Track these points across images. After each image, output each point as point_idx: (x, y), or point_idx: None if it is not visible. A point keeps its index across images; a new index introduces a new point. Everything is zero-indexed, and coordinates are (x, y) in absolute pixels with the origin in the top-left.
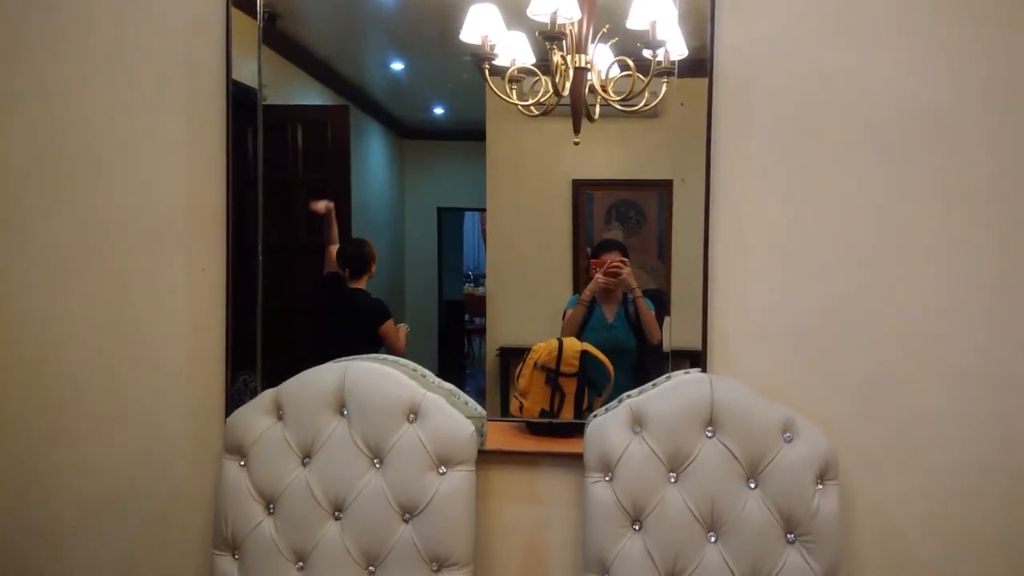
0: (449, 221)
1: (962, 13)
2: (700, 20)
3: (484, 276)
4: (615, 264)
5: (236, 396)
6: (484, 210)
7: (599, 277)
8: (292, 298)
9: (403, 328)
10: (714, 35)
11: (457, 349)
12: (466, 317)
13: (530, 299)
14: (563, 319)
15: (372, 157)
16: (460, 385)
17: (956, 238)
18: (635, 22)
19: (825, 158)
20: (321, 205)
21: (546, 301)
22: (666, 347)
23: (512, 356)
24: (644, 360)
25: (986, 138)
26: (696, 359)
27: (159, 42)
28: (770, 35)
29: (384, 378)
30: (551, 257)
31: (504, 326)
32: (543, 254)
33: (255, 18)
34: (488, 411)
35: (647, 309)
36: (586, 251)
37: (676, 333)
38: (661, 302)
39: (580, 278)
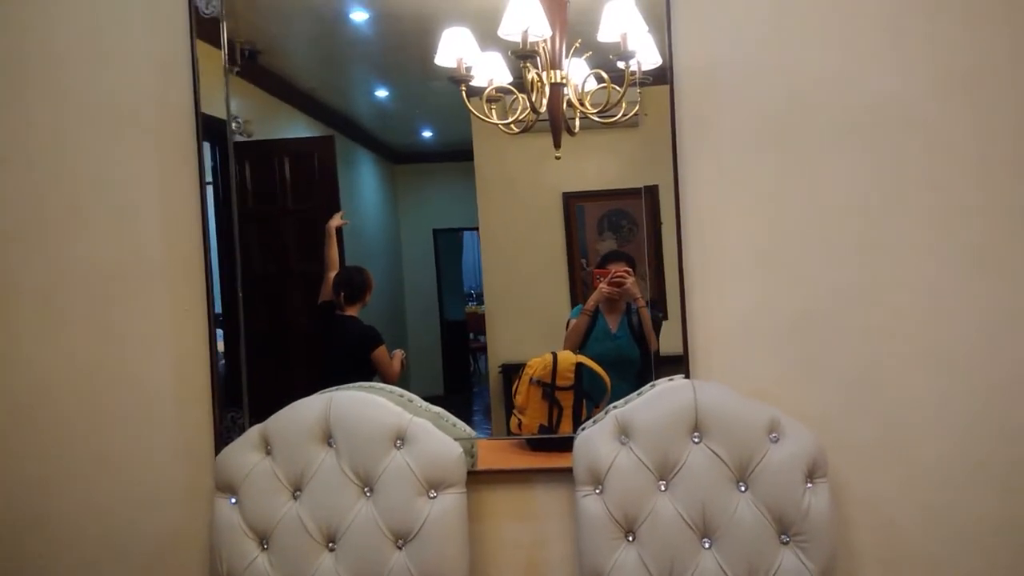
0: (446, 242)
1: (928, 4)
2: (659, 30)
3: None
4: (619, 274)
5: (225, 434)
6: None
7: (603, 287)
8: (284, 328)
9: (398, 354)
10: (671, 44)
11: (462, 368)
12: (470, 336)
13: (529, 314)
14: (567, 329)
15: (364, 184)
16: (467, 404)
17: (938, 230)
18: (606, 35)
19: (798, 157)
20: (336, 220)
21: (545, 315)
22: (663, 352)
23: (514, 372)
24: (647, 370)
25: (962, 129)
26: (682, 366)
27: (129, 85)
28: (729, 40)
29: (369, 406)
30: (547, 271)
31: (505, 343)
32: (539, 268)
33: (219, 47)
34: (493, 429)
35: (650, 319)
36: (581, 262)
37: (671, 339)
38: (659, 311)
39: (577, 290)
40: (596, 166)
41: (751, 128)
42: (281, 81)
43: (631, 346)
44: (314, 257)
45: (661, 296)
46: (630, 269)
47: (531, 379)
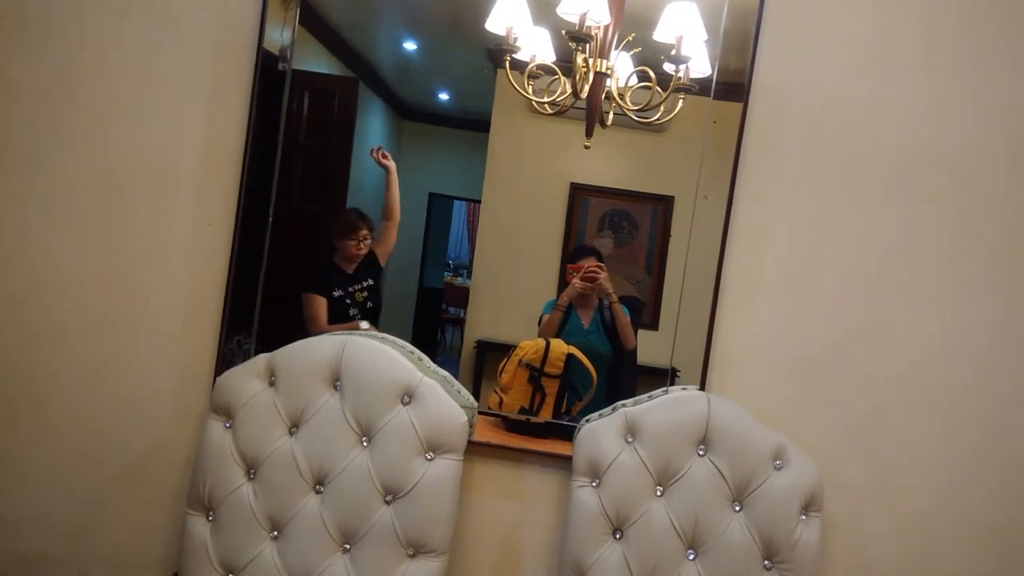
0: (439, 208)
1: (992, 61)
2: (742, 41)
3: (465, 266)
4: (592, 269)
5: (228, 356)
6: (477, 201)
7: (576, 282)
8: (289, 264)
9: (363, 325)
10: (755, 58)
11: (431, 337)
12: (443, 306)
13: (514, 296)
14: (539, 324)
15: (370, 133)
16: None
17: (961, 284)
18: (662, 35)
19: (845, 191)
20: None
21: (529, 300)
22: (643, 362)
23: (489, 350)
24: (618, 366)
25: (1001, 189)
26: (666, 378)
27: None
28: (808, 64)
29: (383, 356)
30: (540, 257)
31: (484, 319)
32: (532, 253)
33: None
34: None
35: (623, 315)
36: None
37: (656, 349)
38: (636, 310)
39: (566, 281)
40: (611, 163)
41: (814, 158)
42: (313, 12)
43: (602, 341)
44: (317, 197)
45: (656, 306)
46: (601, 264)
47: (520, 361)
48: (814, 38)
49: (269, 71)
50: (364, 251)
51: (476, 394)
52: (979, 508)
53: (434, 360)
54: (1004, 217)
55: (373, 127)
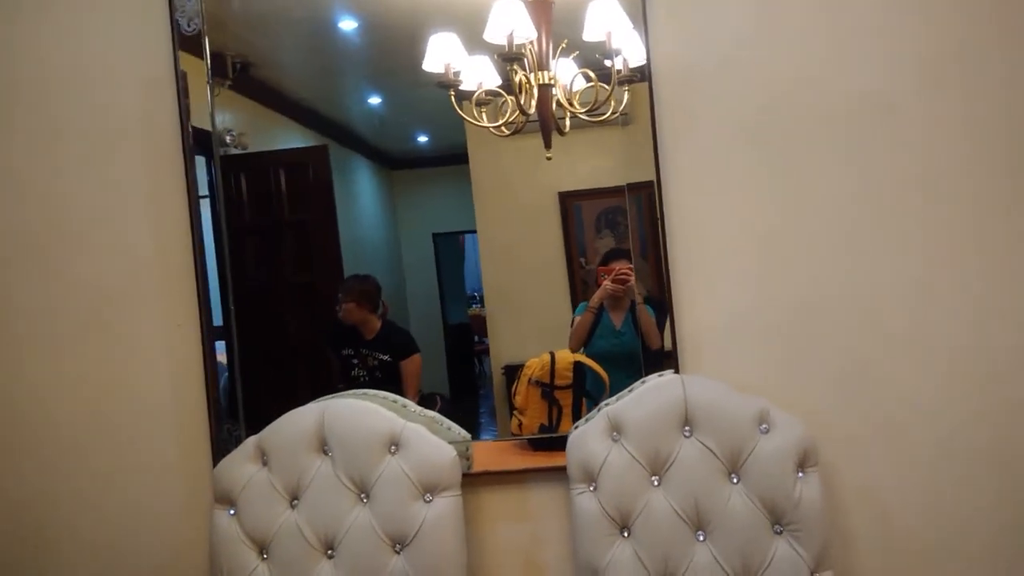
0: (446, 245)
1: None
2: (640, 28)
3: None
4: (623, 272)
5: (222, 446)
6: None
7: (607, 284)
8: (281, 340)
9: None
10: (648, 42)
11: (467, 371)
12: (475, 338)
13: (530, 315)
14: (571, 326)
15: (362, 191)
16: (474, 406)
17: (922, 224)
18: (591, 34)
19: (780, 154)
20: None
21: (545, 315)
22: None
23: (516, 373)
24: (648, 366)
25: (945, 123)
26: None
27: (117, 105)
28: (705, 38)
29: (363, 413)
30: (546, 271)
31: (507, 344)
32: (538, 269)
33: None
34: (499, 430)
35: (647, 316)
36: (580, 261)
37: (666, 335)
38: (662, 310)
39: (577, 288)
40: (589, 165)
41: (732, 125)
42: (274, 92)
43: (636, 342)
44: (309, 268)
45: (663, 291)
46: (632, 266)
47: (530, 379)
48: (703, 8)
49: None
50: (345, 317)
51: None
52: (982, 435)
53: (477, 393)
54: (932, 145)
55: (363, 185)
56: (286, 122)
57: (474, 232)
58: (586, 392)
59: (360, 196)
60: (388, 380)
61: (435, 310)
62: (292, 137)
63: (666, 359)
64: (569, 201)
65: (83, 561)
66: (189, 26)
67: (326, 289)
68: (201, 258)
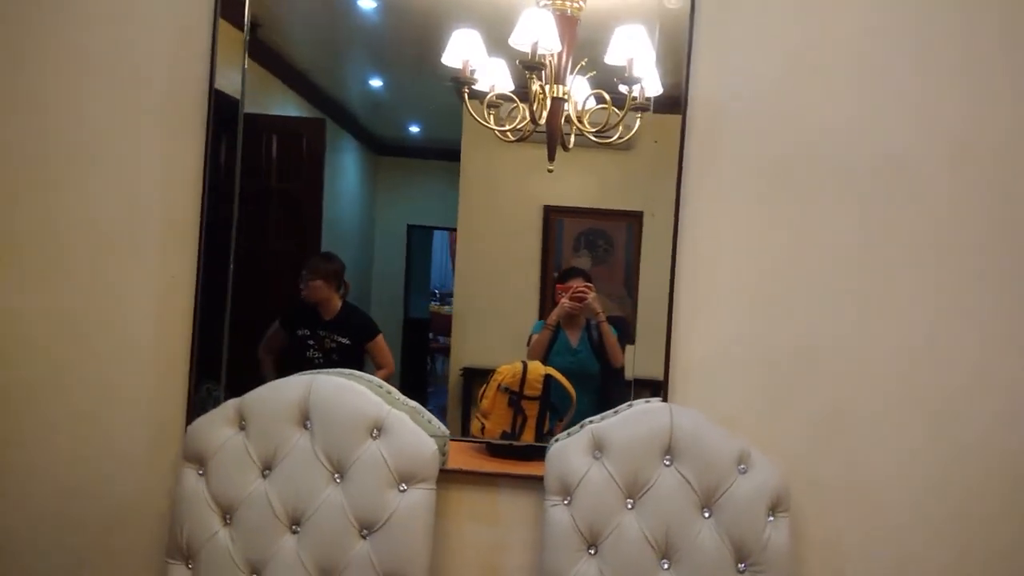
0: (419, 239)
1: (932, 66)
2: (676, 59)
3: (451, 295)
4: (580, 289)
5: (199, 405)
6: (455, 230)
7: (565, 302)
8: (263, 306)
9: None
10: (689, 74)
11: (420, 367)
12: (431, 335)
13: (496, 321)
14: (528, 344)
15: (345, 171)
16: (423, 403)
17: (920, 282)
18: (613, 58)
19: (795, 201)
20: None
21: (512, 324)
22: (629, 375)
23: (475, 376)
24: (606, 385)
25: (943, 188)
26: (658, 389)
27: (144, 45)
28: (745, 77)
29: (350, 393)
30: (519, 281)
31: (469, 346)
32: (512, 277)
33: (241, 29)
34: (449, 431)
35: (611, 334)
36: (554, 276)
37: (640, 362)
38: (622, 329)
39: (547, 303)
40: (582, 184)
41: (755, 167)
42: (278, 57)
43: (591, 360)
44: (291, 238)
45: (632, 320)
46: (590, 284)
47: (499, 385)
48: (746, 51)
49: (229, 116)
50: (307, 295)
51: (464, 421)
52: (949, 503)
53: (425, 391)
54: (947, 216)
55: (347, 165)
56: (283, 89)
57: (448, 229)
58: (552, 406)
59: (342, 175)
60: (345, 364)
61: (398, 301)
62: (286, 105)
63: (639, 387)
64: (553, 216)
65: (39, 505)
66: None
67: (300, 262)
68: (205, 213)
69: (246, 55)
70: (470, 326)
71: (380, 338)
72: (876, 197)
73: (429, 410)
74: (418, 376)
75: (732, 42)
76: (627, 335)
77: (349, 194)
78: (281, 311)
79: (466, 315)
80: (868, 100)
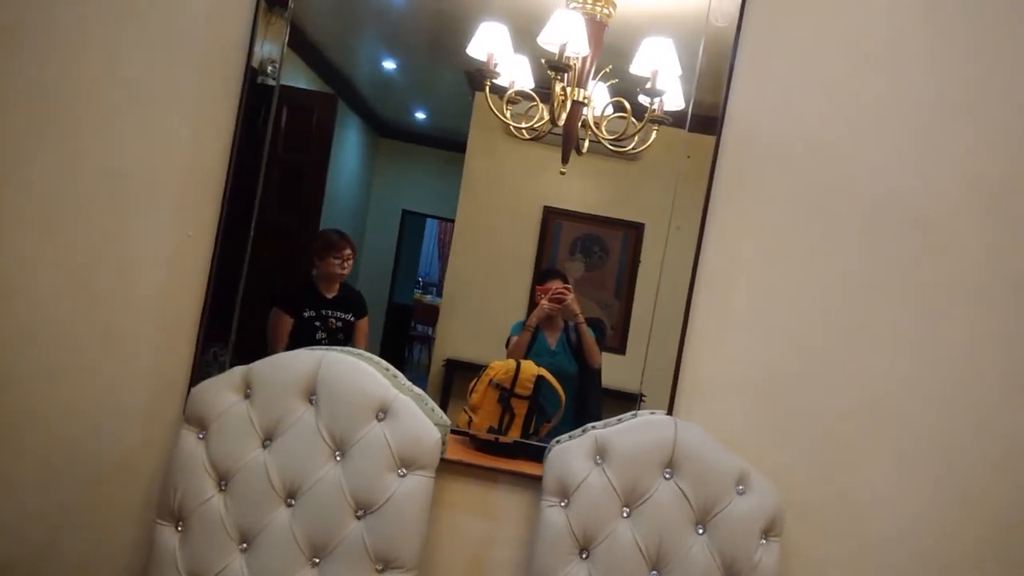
0: (412, 225)
1: (961, 111)
2: (717, 77)
3: (435, 284)
4: (559, 291)
5: (203, 368)
6: (450, 220)
7: (544, 303)
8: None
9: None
10: (729, 93)
11: (398, 354)
12: (412, 324)
13: (484, 316)
14: (506, 346)
15: (345, 148)
16: None
17: (924, 323)
18: (638, 68)
19: (814, 228)
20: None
21: (499, 320)
22: (608, 385)
23: (458, 369)
24: (584, 386)
25: (967, 234)
26: (633, 402)
27: (188, 8)
28: (783, 103)
29: (359, 372)
30: (511, 279)
31: (454, 338)
32: (504, 274)
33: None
34: None
35: (589, 335)
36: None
37: (623, 373)
38: (600, 331)
39: (536, 302)
40: (585, 189)
41: (783, 194)
42: (294, 29)
43: (569, 362)
44: (294, 210)
45: (624, 331)
46: (569, 287)
47: (491, 381)
48: (786, 78)
49: (254, 85)
50: (346, 271)
51: (446, 412)
52: (936, 541)
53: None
54: (968, 262)
55: (349, 143)
56: (294, 60)
57: (442, 219)
58: (540, 406)
59: (343, 152)
60: (346, 342)
61: (384, 286)
62: (297, 76)
63: (622, 399)
64: (552, 218)
65: (35, 446)
66: None
67: (300, 237)
68: (231, 175)
69: (287, 32)
70: (457, 318)
71: (366, 319)
72: (900, 242)
73: None
74: (396, 362)
75: (774, 66)
76: (605, 337)
77: (348, 172)
78: (277, 294)
79: (454, 306)
80: (908, 143)
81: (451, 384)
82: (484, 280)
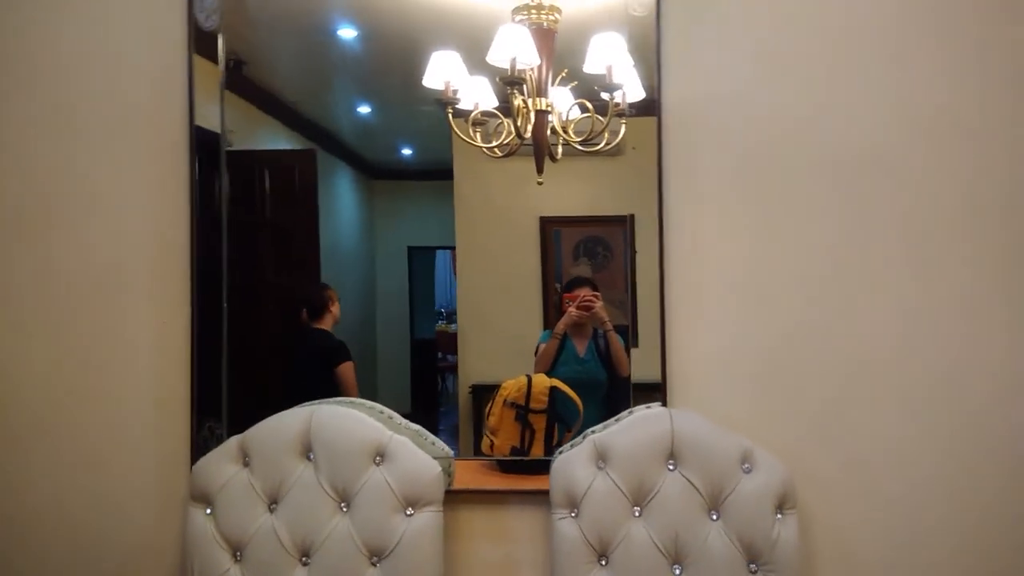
0: (420, 260)
1: (906, 53)
2: (648, 64)
3: (456, 312)
4: (588, 298)
5: (202, 444)
6: (454, 248)
7: (572, 311)
8: (258, 339)
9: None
10: (661, 78)
11: (430, 387)
12: (439, 355)
13: (501, 336)
14: (536, 354)
15: (341, 198)
16: (434, 423)
17: (908, 268)
18: (592, 66)
19: (776, 194)
20: None
21: (517, 338)
22: (633, 379)
23: (484, 393)
24: (614, 394)
25: (935, 173)
26: (656, 393)
27: (126, 94)
28: (716, 77)
29: (350, 421)
30: (521, 294)
31: (476, 363)
32: (513, 291)
33: (218, 64)
34: (461, 449)
35: (618, 343)
36: (555, 287)
37: (643, 366)
38: (626, 337)
39: (550, 314)
40: (575, 192)
41: (733, 164)
42: (265, 93)
43: (599, 369)
44: (290, 269)
45: (633, 324)
46: (598, 294)
47: (505, 401)
48: (714, 51)
49: (214, 152)
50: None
51: (477, 439)
52: (955, 482)
53: (437, 411)
54: (947, 197)
55: (343, 192)
56: (272, 122)
57: (449, 248)
58: (559, 418)
59: (339, 202)
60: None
61: (404, 323)
62: (277, 138)
63: (642, 391)
64: (550, 226)
65: (49, 551)
66: (207, 21)
67: (296, 294)
68: (197, 253)
69: (223, 90)
70: (475, 343)
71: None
72: (853, 185)
73: (441, 430)
74: (429, 396)
75: (700, 43)
76: (629, 342)
77: (347, 220)
78: (344, 350)
79: (471, 333)
80: (839, 90)
81: (480, 410)
82: (495, 301)
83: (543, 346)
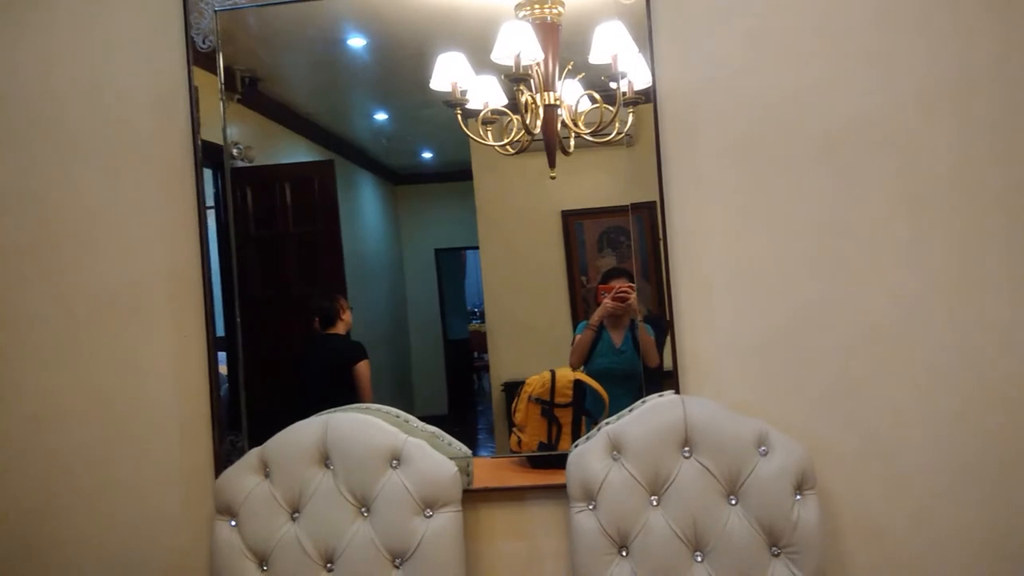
0: (448, 261)
1: (896, 23)
2: (646, 52)
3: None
4: (623, 289)
5: (225, 457)
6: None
7: (607, 302)
8: (285, 351)
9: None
10: (654, 64)
11: (466, 387)
12: (474, 355)
13: (530, 332)
14: (572, 345)
15: (365, 206)
16: (472, 423)
17: (913, 243)
18: (597, 57)
19: (776, 174)
20: None
21: (546, 333)
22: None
23: (517, 390)
24: (651, 384)
25: (930, 142)
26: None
27: (129, 117)
28: (708, 59)
29: (365, 426)
30: (548, 288)
31: (507, 361)
32: (539, 286)
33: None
34: (497, 447)
35: (646, 335)
36: (581, 279)
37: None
38: (660, 328)
39: (578, 307)
40: (593, 184)
41: (731, 147)
42: (281, 107)
43: (637, 360)
44: (314, 281)
45: (663, 311)
46: (633, 285)
47: (530, 397)
48: (705, 33)
49: (218, 170)
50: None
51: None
52: (970, 453)
53: (475, 409)
54: (944, 168)
55: (366, 200)
56: (292, 136)
57: (476, 248)
58: (585, 410)
59: (364, 210)
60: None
61: (436, 325)
62: (297, 151)
63: (666, 378)
64: (571, 220)
65: (86, 569)
66: (204, 43)
67: (312, 303)
68: (208, 269)
69: (224, 104)
70: (505, 341)
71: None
72: (853, 160)
73: (479, 429)
74: (465, 396)
75: (691, 26)
76: (663, 332)
77: (372, 227)
78: (362, 349)
79: (500, 331)
80: (830, 63)
81: (512, 407)
82: (522, 298)
83: (578, 337)
